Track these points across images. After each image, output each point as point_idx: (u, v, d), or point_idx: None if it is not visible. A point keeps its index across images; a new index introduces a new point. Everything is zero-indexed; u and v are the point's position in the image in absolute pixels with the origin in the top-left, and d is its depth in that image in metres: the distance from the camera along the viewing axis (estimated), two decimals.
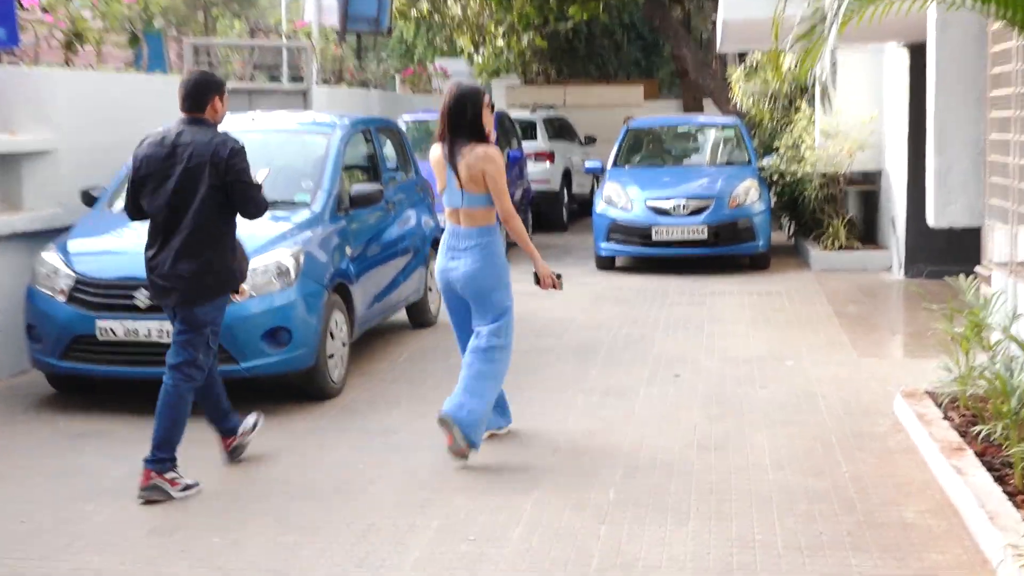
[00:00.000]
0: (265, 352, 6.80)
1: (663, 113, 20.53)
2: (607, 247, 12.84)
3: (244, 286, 5.78)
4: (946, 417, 6.04)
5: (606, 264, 13.07)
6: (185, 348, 5.52)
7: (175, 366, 5.51)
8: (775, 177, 13.68)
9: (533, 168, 16.89)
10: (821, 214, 13.33)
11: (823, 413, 6.74)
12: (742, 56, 17.77)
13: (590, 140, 19.87)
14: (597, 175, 16.94)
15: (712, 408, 6.90)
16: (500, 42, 23.59)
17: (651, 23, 19.76)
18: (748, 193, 12.62)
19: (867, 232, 13.62)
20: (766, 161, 13.78)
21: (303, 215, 7.49)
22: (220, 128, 5.63)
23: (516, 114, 17.86)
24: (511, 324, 5.81)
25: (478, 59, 24.00)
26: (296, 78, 13.45)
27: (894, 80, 12.37)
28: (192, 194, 5.45)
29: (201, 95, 5.57)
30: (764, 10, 8.88)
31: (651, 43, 33.70)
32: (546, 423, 6.59)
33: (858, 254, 12.73)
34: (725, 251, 12.55)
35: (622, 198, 12.77)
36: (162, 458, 5.44)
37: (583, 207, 18.47)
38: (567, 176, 17.99)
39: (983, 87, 6.91)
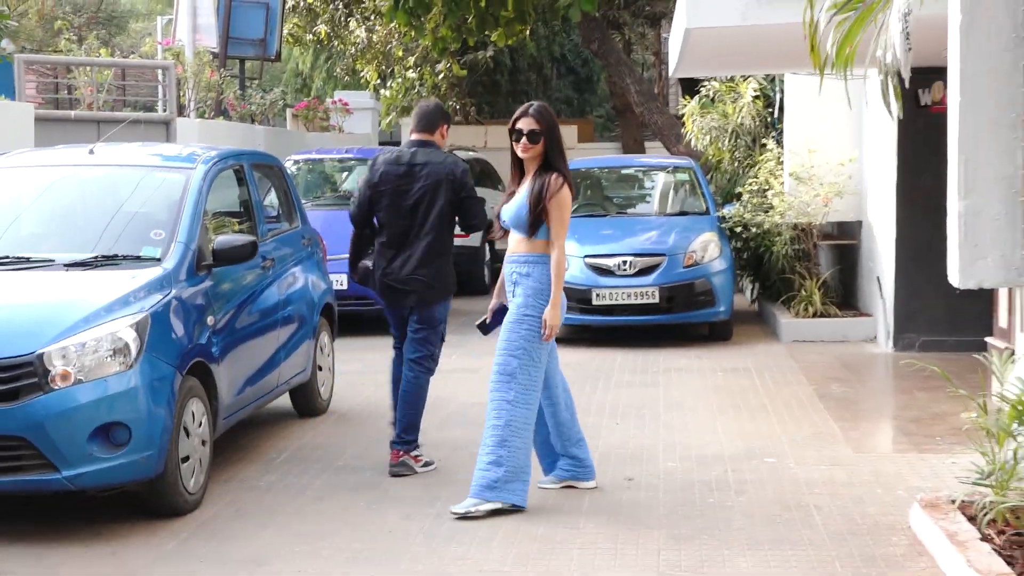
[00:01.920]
0: (95, 456, 6.17)
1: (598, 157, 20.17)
2: None
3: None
4: (984, 537, 5.56)
5: None
6: (424, 344, 7.36)
7: (416, 360, 7.33)
8: (737, 229, 13.55)
9: None
10: (791, 274, 13.23)
11: (820, 530, 6.26)
12: (691, 89, 17.67)
13: None
14: None
15: (679, 525, 6.38)
16: (411, 73, 23.15)
17: (588, 48, 19.75)
18: (707, 248, 12.56)
19: (846, 295, 13.55)
20: (726, 210, 13.69)
21: (151, 274, 6.86)
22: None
23: None
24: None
25: (385, 92, 23.66)
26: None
27: (878, 115, 12.17)
28: (430, 208, 7.26)
29: (434, 121, 7.40)
30: (736, 17, 8.38)
31: (584, 79, 33.86)
32: (464, 546, 6.03)
33: (836, 322, 12.62)
34: (680, 319, 12.47)
35: None
36: (409, 440, 7.32)
37: None
38: (490, 229, 17.32)
39: (1020, 107, 6.53)
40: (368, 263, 7.52)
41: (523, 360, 6.45)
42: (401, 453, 7.32)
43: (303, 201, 13.24)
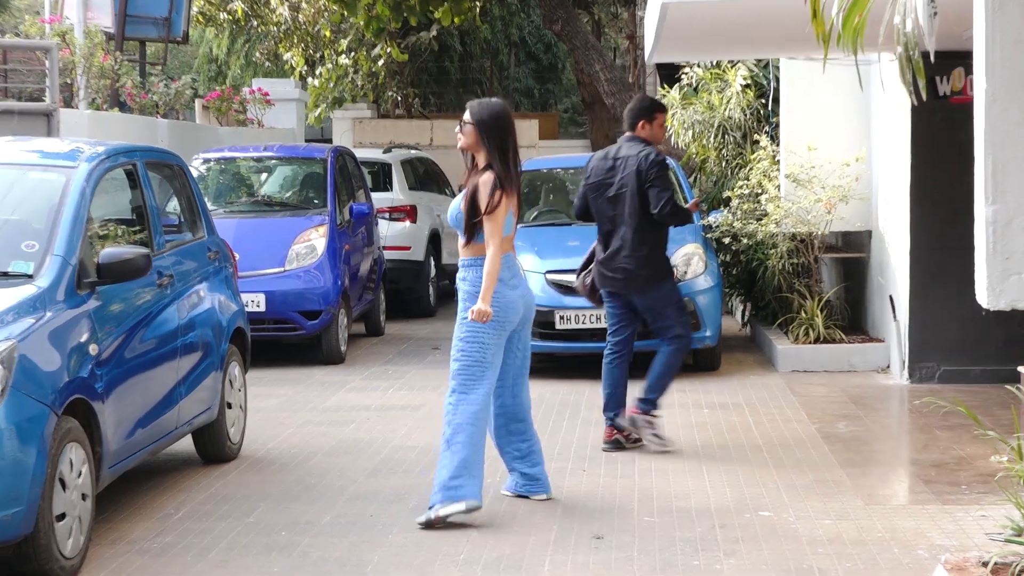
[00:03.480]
0: None
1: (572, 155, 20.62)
2: None
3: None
4: None
5: None
6: (664, 329, 9.27)
7: (668, 341, 9.27)
8: (726, 240, 13.67)
9: (387, 230, 17.02)
10: (789, 292, 13.29)
11: None
12: (671, 77, 17.80)
13: None
14: None
15: None
16: (343, 59, 23.14)
17: (551, 30, 19.87)
18: (690, 263, 12.60)
19: (854, 317, 13.59)
20: (713, 218, 13.71)
21: (21, 293, 6.74)
22: None
23: (364, 154, 18.00)
24: None
25: (313, 81, 23.59)
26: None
27: (889, 106, 12.27)
28: (628, 199, 9.13)
29: (634, 118, 9.36)
30: None
31: (547, 66, 34.09)
32: None
33: (842, 349, 12.68)
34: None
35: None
36: (650, 399, 9.18)
37: None
38: (435, 240, 18.18)
39: None
40: (587, 278, 9.49)
41: (463, 362, 7.46)
42: (638, 412, 9.12)
43: (212, 208, 13.23)
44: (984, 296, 6.70)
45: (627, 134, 9.40)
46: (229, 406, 9.05)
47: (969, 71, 10.97)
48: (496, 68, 31.97)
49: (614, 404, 9.26)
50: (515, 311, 7.57)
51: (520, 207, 7.83)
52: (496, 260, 7.40)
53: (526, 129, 25.40)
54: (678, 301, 9.35)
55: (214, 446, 8.98)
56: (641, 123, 9.32)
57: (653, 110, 9.38)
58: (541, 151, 23.66)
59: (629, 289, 9.20)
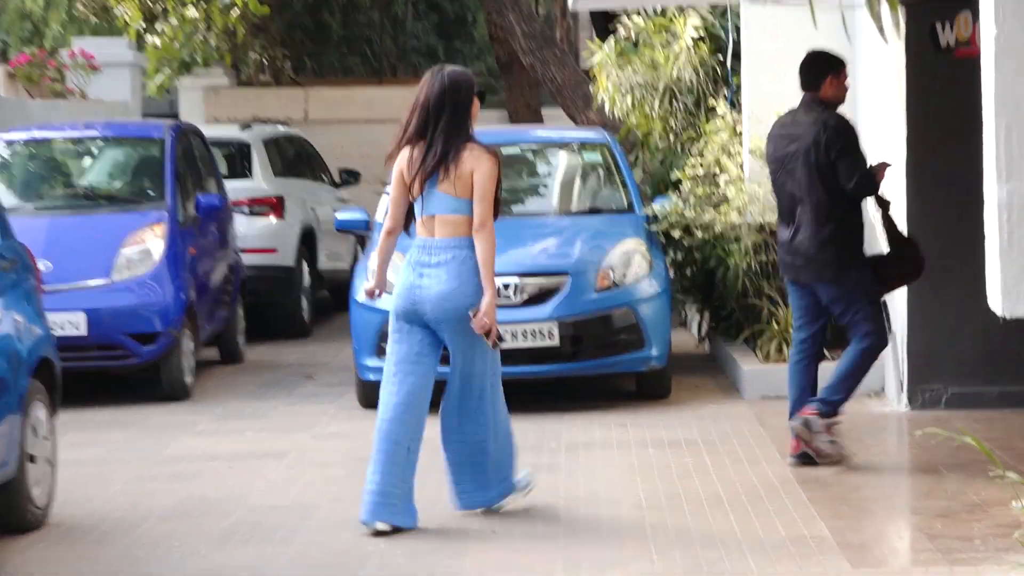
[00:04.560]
0: None
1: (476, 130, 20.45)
2: (379, 365, 11.93)
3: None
4: None
5: (377, 397, 12.44)
6: (853, 326, 9.90)
7: (859, 339, 9.89)
8: (676, 234, 13.72)
9: (247, 228, 16.98)
10: (757, 298, 13.30)
11: None
12: (604, 28, 17.84)
13: (349, 178, 20.37)
14: (361, 236, 16.93)
15: None
16: (191, 11, 22.91)
17: None
18: (630, 262, 12.68)
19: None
20: (659, 205, 13.82)
21: None
22: None
23: (216, 132, 17.99)
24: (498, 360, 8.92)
25: (154, 40, 23.24)
26: None
27: (880, 62, 12.28)
28: (805, 173, 9.68)
29: (812, 75, 9.86)
30: None
31: (454, 20, 34.08)
32: None
33: (824, 368, 11.87)
34: (593, 368, 12.65)
35: None
36: (833, 400, 9.84)
37: (340, 294, 17.88)
38: (309, 240, 18.19)
39: None
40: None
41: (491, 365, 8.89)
42: (812, 410, 9.75)
43: (16, 203, 13.18)
44: (998, 301, 6.88)
45: (804, 96, 9.96)
46: (31, 459, 8.90)
47: (978, 16, 11.11)
48: (389, 22, 31.89)
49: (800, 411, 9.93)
50: (400, 299, 8.70)
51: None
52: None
53: None
54: (869, 291, 9.91)
55: (11, 511, 8.81)
56: (828, 79, 9.87)
57: (839, 64, 9.94)
58: None
59: (810, 277, 9.88)
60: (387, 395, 8.74)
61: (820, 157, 9.63)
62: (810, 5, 5.46)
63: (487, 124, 25.18)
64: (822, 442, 9.72)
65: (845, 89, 10.06)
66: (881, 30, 5.48)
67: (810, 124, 9.72)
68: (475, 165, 8.51)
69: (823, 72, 9.89)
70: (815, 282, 9.88)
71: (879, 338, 9.91)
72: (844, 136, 9.73)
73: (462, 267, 8.54)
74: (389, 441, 8.58)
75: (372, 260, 12.78)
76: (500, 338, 8.65)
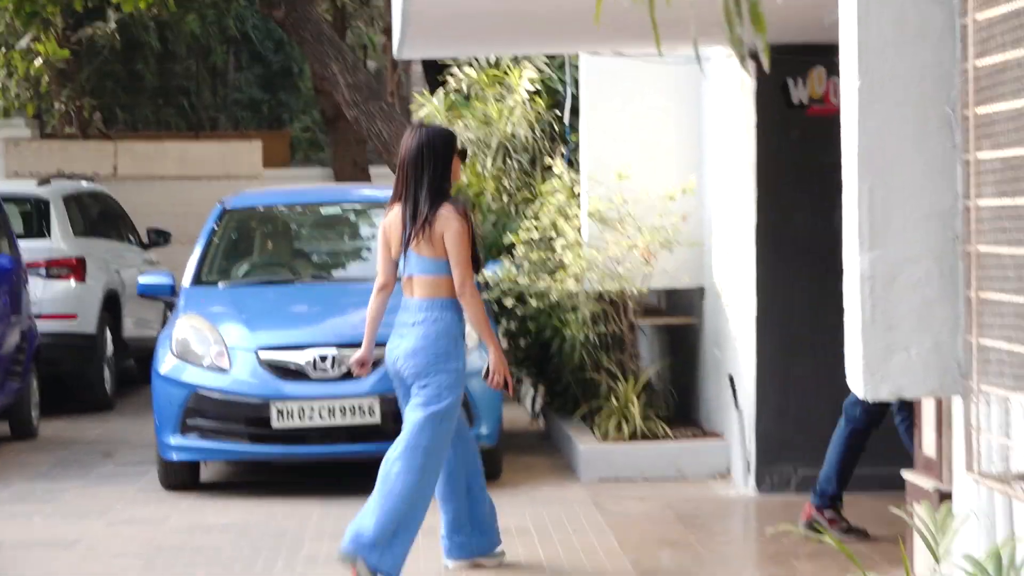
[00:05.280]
0: None
1: (288, 188, 21.46)
2: (183, 444, 12.57)
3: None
4: None
5: (181, 478, 12.80)
6: None
7: None
8: (509, 302, 13.80)
9: (43, 291, 16.86)
10: (595, 372, 13.21)
11: None
12: (437, 81, 17.99)
13: (158, 238, 20.46)
14: (167, 302, 16.77)
15: None
16: None
17: (271, 17, 20.13)
18: None
19: (682, 405, 13.67)
20: (490, 272, 13.76)
21: None
22: None
23: (11, 188, 18.15)
24: (445, 425, 9.07)
25: None
26: None
27: (727, 119, 12.34)
28: None
29: None
30: None
31: (279, 72, 34.34)
32: None
33: (667, 448, 12.70)
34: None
35: (211, 346, 12.71)
36: (825, 493, 9.99)
37: (146, 364, 17.24)
38: (113, 305, 18.06)
39: (956, 99, 6.68)
40: None
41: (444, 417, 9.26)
42: (812, 510, 9.92)
43: None
44: (859, 382, 6.70)
45: None
46: None
47: (832, 71, 10.95)
48: (209, 72, 31.91)
49: None
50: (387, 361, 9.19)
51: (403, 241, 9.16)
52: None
53: (245, 153, 26.59)
54: None
55: None
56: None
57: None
58: (268, 182, 24.29)
59: None
60: None
61: None
62: (657, 44, 5.09)
63: (311, 182, 25.49)
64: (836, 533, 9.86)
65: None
66: (743, 61, 5.11)
67: None
68: (445, 227, 8.90)
69: None
70: None
71: None
72: None
73: (433, 327, 8.98)
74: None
75: (177, 329, 13.00)
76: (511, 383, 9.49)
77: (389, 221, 9.18)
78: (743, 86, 11.94)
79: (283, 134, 31.31)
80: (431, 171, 9.03)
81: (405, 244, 9.05)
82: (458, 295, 9.02)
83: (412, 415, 8.98)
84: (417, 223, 8.99)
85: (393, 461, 8.92)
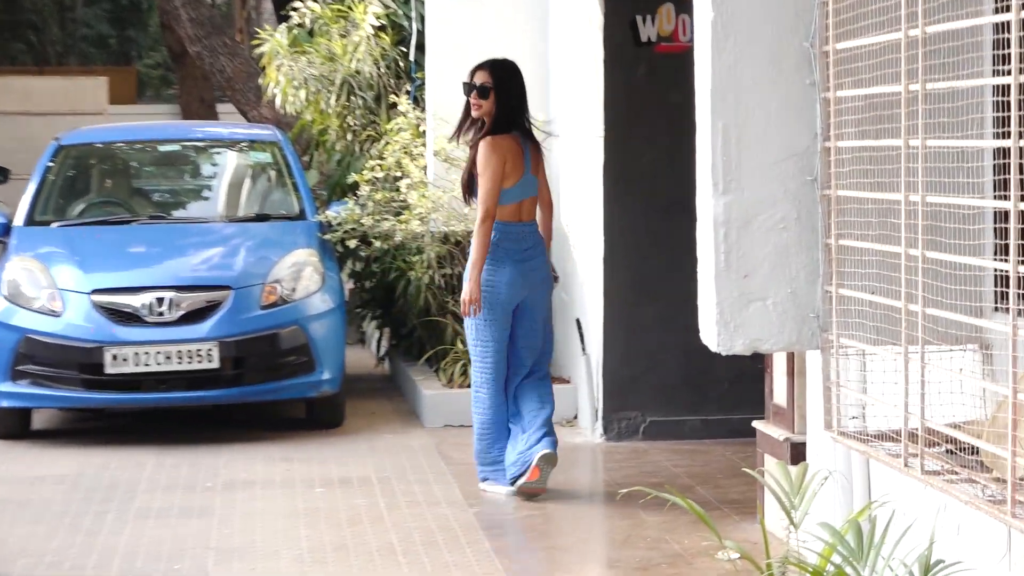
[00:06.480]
0: None
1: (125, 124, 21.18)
2: (13, 390, 12.50)
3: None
4: None
5: (11, 427, 12.73)
6: None
7: None
8: (353, 243, 13.69)
9: None
10: (441, 315, 13.34)
11: None
12: (283, 16, 17.81)
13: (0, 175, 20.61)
14: (1, 242, 16.62)
15: None
16: None
17: None
18: (300, 275, 12.74)
19: None
20: (333, 212, 13.78)
21: None
22: None
23: None
24: None
25: None
26: None
27: (575, 55, 12.36)
28: None
29: None
30: None
31: (128, 7, 34.42)
32: None
33: None
34: (256, 394, 12.60)
35: (43, 289, 12.59)
36: None
37: None
38: None
39: (814, 35, 6.70)
40: None
41: (471, 343, 9.96)
42: None
43: None
44: (712, 334, 6.77)
45: None
46: None
47: (682, 9, 11.00)
48: (56, 7, 31.64)
49: None
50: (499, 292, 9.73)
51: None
52: (483, 227, 9.59)
53: (90, 90, 26.65)
54: None
55: None
56: None
57: None
58: (112, 119, 23.90)
59: None
60: None
61: None
62: None
63: (157, 119, 25.42)
64: None
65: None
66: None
67: None
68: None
69: None
70: None
71: None
72: None
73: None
74: None
75: (7, 271, 12.93)
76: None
77: (506, 147, 9.61)
78: (591, 22, 11.90)
79: (130, 70, 31.28)
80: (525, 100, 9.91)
81: (527, 168, 9.71)
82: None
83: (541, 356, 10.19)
84: (537, 145, 9.84)
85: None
